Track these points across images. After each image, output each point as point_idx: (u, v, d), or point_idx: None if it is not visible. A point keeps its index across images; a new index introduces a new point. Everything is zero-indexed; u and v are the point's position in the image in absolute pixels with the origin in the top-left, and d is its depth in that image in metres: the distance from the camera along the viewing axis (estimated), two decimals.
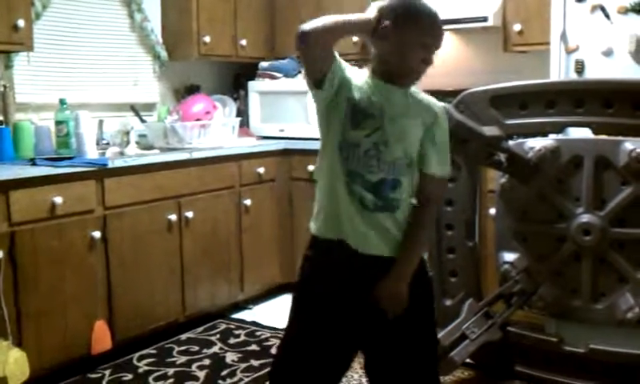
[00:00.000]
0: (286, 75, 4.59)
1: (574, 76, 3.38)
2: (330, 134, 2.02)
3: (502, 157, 3.01)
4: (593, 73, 3.35)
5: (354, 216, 1.98)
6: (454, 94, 3.33)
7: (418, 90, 2.08)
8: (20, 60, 3.72)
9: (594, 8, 3.33)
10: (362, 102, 1.98)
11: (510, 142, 3.04)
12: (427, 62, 1.99)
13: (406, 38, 1.96)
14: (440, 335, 3.12)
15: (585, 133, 3.06)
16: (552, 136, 3.09)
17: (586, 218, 2.94)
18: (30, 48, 3.50)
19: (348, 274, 2.03)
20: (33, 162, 3.35)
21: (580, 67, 3.39)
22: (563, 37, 3.41)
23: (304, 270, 2.12)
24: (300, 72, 4.62)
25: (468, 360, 3.17)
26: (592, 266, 2.96)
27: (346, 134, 1.98)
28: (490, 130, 2.99)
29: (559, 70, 3.42)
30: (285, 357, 2.15)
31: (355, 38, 4.38)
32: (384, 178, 1.98)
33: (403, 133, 1.98)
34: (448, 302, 3.26)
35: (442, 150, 2.05)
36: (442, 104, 2.12)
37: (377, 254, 2.01)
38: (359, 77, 2.04)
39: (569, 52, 3.41)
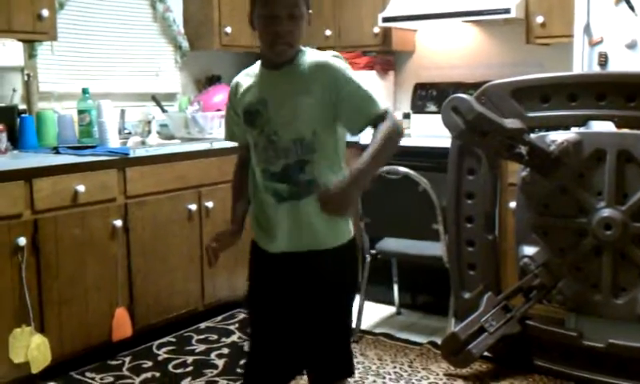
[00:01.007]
0: None
1: (597, 69, 3.34)
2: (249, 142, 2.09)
3: (524, 150, 2.99)
4: (616, 66, 3.31)
5: (271, 213, 2.02)
6: (475, 86, 3.32)
7: (310, 54, 1.99)
8: (44, 49, 3.75)
9: (618, 0, 3.29)
10: (250, 104, 2.02)
11: (532, 135, 3.02)
12: (282, 34, 1.89)
13: (257, 16, 1.94)
14: (458, 328, 3.12)
15: (607, 126, 3.03)
16: (574, 129, 3.07)
17: (607, 212, 2.92)
18: (53, 37, 3.53)
19: (272, 272, 2.10)
20: (56, 150, 3.39)
21: (603, 60, 3.35)
22: (587, 29, 3.38)
23: (250, 268, 2.22)
24: None
25: (486, 353, 3.17)
26: (613, 260, 2.94)
27: (249, 137, 2.04)
28: (511, 123, 2.97)
29: (582, 63, 3.38)
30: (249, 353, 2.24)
31: (376, 29, 4.38)
32: (287, 164, 1.96)
33: (291, 112, 1.94)
34: (467, 295, 3.25)
35: (362, 91, 1.92)
36: (328, 53, 2.00)
37: (298, 249, 2.02)
38: (250, 78, 2.05)
39: (592, 44, 3.38)
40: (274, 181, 1.99)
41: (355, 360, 3.09)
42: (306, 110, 1.93)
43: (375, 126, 1.91)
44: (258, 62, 2.06)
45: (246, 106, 2.02)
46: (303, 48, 2.01)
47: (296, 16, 1.91)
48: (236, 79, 2.11)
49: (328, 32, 4.64)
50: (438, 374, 3.18)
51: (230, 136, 2.19)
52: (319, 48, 4.94)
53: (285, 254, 2.04)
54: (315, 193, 1.86)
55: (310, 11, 1.99)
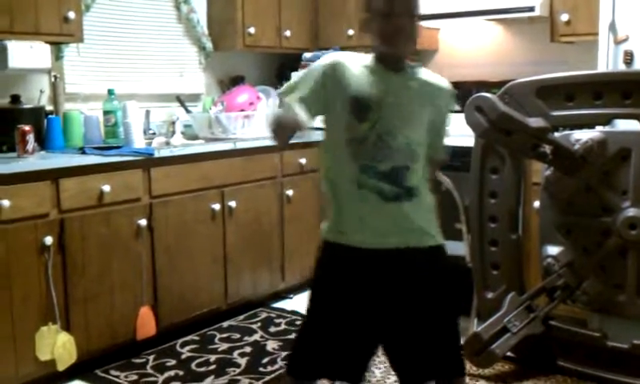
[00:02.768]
0: None
1: (622, 67, 3.30)
2: (333, 133, 2.06)
3: (548, 149, 2.97)
4: None
5: (372, 211, 2.00)
6: (499, 84, 3.30)
7: (426, 72, 2.10)
8: (70, 51, 3.81)
9: None
10: (362, 94, 2.00)
11: (556, 134, 3.00)
12: (401, 29, 1.97)
13: (377, 15, 1.99)
14: (481, 328, 3.11)
15: (632, 125, 3.00)
16: (599, 128, 3.04)
17: (632, 211, 2.88)
18: (79, 39, 3.58)
19: (370, 272, 2.05)
20: (82, 150, 3.43)
21: (629, 58, 3.31)
22: (612, 27, 3.34)
23: (319, 275, 2.15)
24: None
25: (509, 353, 3.15)
26: (637, 260, 2.90)
27: (352, 131, 1.99)
28: (535, 122, 2.95)
29: (607, 61, 3.34)
30: (304, 345, 2.17)
31: None
32: (395, 166, 1.99)
33: (406, 119, 2.00)
34: (490, 295, 3.24)
35: (447, 132, 2.15)
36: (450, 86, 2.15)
37: (399, 246, 2.03)
38: (359, 67, 2.04)
39: (617, 43, 3.34)
40: (379, 179, 1.99)
41: (377, 359, 3.10)
42: (420, 121, 2.04)
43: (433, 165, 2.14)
44: (366, 58, 2.07)
45: (356, 94, 2.00)
46: (419, 64, 2.11)
47: (414, 15, 2.01)
48: (340, 59, 2.05)
49: (350, 31, 4.65)
50: None
51: (310, 103, 2.00)
52: (343, 48, 4.97)
53: (379, 251, 2.03)
54: (415, 198, 2.01)
55: (428, 14, 2.07)
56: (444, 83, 2.10)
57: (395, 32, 1.97)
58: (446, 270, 2.12)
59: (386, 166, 1.98)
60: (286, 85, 2.13)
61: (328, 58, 2.07)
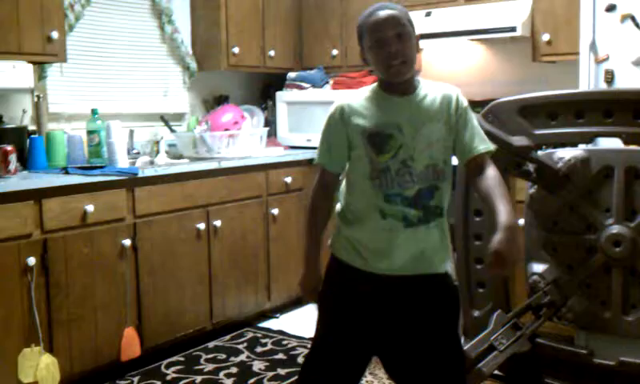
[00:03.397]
0: (314, 85, 4.62)
1: (603, 86, 3.35)
2: (354, 170, 2.05)
3: (531, 167, 2.99)
4: (623, 83, 3.32)
5: (396, 238, 1.99)
6: (482, 103, 3.32)
7: (428, 84, 2.06)
8: (53, 71, 3.79)
9: (623, 17, 3.31)
10: (377, 127, 2.00)
11: (539, 152, 3.02)
12: (395, 54, 1.95)
13: (369, 47, 1.99)
14: (467, 346, 3.10)
15: (615, 143, 3.03)
16: (582, 146, 3.07)
17: (616, 229, 2.90)
18: (63, 59, 3.57)
19: (380, 301, 2.05)
20: (65, 170, 3.41)
21: (610, 77, 3.36)
22: (592, 46, 3.39)
23: (330, 294, 2.13)
24: (327, 82, 4.65)
25: (496, 371, 3.15)
26: (622, 277, 2.92)
27: (374, 163, 1.99)
28: (518, 140, 2.97)
29: (588, 80, 3.39)
30: (310, 363, 2.17)
31: None
32: (420, 189, 1.99)
33: (426, 139, 1.99)
34: (476, 313, 3.23)
35: (475, 126, 2.06)
36: (454, 87, 2.10)
37: (415, 272, 2.03)
38: (364, 101, 2.04)
39: (598, 62, 3.38)
40: (404, 205, 1.99)
41: (365, 380, 3.08)
42: (438, 138, 2.01)
43: (478, 161, 2.04)
44: (367, 90, 2.07)
45: (371, 129, 2.00)
46: (418, 78, 2.07)
47: (403, 35, 1.97)
48: (343, 102, 2.05)
49: (334, 51, 4.68)
50: None
51: (326, 160, 2.08)
52: (326, 68, 5.00)
53: (402, 277, 2.03)
54: (439, 219, 2.00)
55: (418, 34, 2.03)
56: (449, 89, 2.07)
57: (390, 58, 1.95)
58: (454, 298, 2.13)
59: (411, 191, 1.98)
60: (317, 152, 2.13)
61: (332, 108, 2.08)
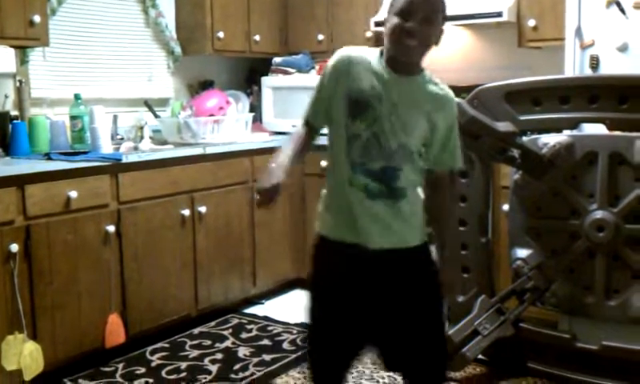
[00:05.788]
0: (299, 71, 4.60)
1: (588, 72, 3.36)
2: (333, 129, 2.05)
3: (516, 153, 3.00)
4: (608, 68, 3.33)
5: (360, 209, 1.99)
6: (467, 89, 3.32)
7: (436, 80, 2.05)
8: (35, 55, 3.74)
9: (609, 3, 3.31)
10: (362, 92, 1.98)
11: (524, 138, 3.03)
12: (408, 31, 1.91)
13: (393, 13, 1.95)
14: (452, 331, 3.12)
15: (599, 129, 3.04)
16: (566, 132, 3.08)
17: (599, 214, 2.92)
18: (45, 43, 3.52)
19: (358, 270, 2.04)
20: (48, 156, 3.38)
21: (595, 63, 3.36)
22: (578, 32, 3.39)
23: (315, 268, 2.14)
24: (313, 67, 4.63)
25: (480, 356, 3.17)
26: (605, 262, 2.95)
27: (347, 127, 1.99)
28: (503, 126, 2.98)
29: (574, 66, 3.39)
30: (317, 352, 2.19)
31: (369, 33, 4.40)
32: (385, 166, 1.98)
33: (402, 122, 1.97)
34: (460, 298, 3.25)
35: (454, 139, 2.07)
36: (455, 97, 2.10)
37: (383, 246, 2.01)
38: (366, 64, 2.01)
39: (583, 47, 3.39)
40: (368, 177, 1.98)
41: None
42: (419, 130, 1.99)
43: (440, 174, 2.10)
44: (376, 53, 2.03)
45: (356, 93, 1.98)
46: (426, 70, 2.04)
47: (431, 20, 1.94)
48: (349, 55, 2.03)
49: (320, 36, 4.65)
50: None
51: (313, 116, 2.11)
52: (312, 53, 4.97)
53: (379, 251, 2.02)
54: (405, 198, 2.00)
55: (444, 29, 2.00)
56: (449, 94, 2.05)
57: (405, 35, 1.92)
58: (430, 269, 2.11)
59: (375, 165, 1.97)
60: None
61: (337, 53, 2.06)
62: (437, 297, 2.12)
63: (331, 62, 2.06)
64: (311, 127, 2.14)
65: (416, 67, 2.02)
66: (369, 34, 4.40)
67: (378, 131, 1.97)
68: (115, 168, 3.40)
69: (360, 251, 2.01)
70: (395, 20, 1.93)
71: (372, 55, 2.03)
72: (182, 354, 3.52)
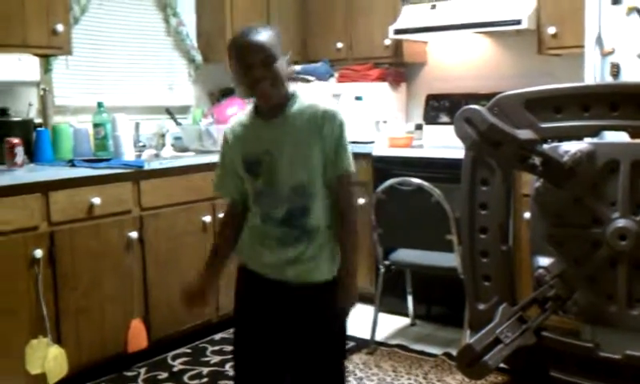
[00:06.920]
0: (319, 78, 4.62)
1: (609, 79, 3.34)
2: (248, 189, 2.11)
3: (537, 160, 2.98)
4: (629, 76, 3.32)
5: (271, 255, 2.06)
6: (487, 97, 3.32)
7: (309, 101, 2.07)
8: (59, 64, 3.80)
9: (630, 10, 3.30)
10: (249, 153, 2.06)
11: (545, 146, 3.02)
12: (259, 80, 1.97)
13: (236, 71, 2.01)
14: (473, 340, 3.11)
15: (621, 136, 3.03)
16: (587, 139, 3.07)
17: (621, 222, 2.90)
18: (68, 52, 3.57)
19: (270, 303, 2.12)
20: (71, 163, 3.42)
21: (615, 70, 3.35)
22: (598, 40, 3.38)
23: (237, 300, 2.27)
24: (332, 75, 4.65)
25: (502, 364, 3.15)
26: (628, 271, 2.92)
27: (251, 187, 2.07)
28: (524, 134, 2.97)
29: (594, 74, 3.39)
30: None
31: (387, 41, 4.41)
32: (289, 208, 2.02)
33: (289, 161, 2.01)
34: (481, 306, 3.24)
35: (343, 146, 2.06)
36: (329, 106, 2.09)
37: (291, 280, 2.07)
38: (242, 127, 2.10)
39: (604, 55, 3.38)
40: (275, 226, 2.04)
41: (370, 371, 3.11)
42: (311, 159, 2.02)
43: (339, 181, 2.07)
44: (245, 113, 2.12)
45: (245, 155, 2.06)
46: (296, 92, 2.08)
47: (269, 60, 1.98)
48: (230, 127, 2.14)
49: (339, 44, 4.67)
50: None
51: (220, 187, 2.19)
52: (332, 61, 4.98)
53: (281, 283, 2.08)
54: (316, 235, 2.03)
55: (289, 54, 2.07)
56: (325, 107, 2.06)
57: (256, 82, 1.98)
58: (330, 306, 2.11)
59: (279, 212, 2.03)
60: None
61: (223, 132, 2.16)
62: (331, 338, 2.14)
63: (223, 137, 2.15)
64: (230, 202, 2.18)
65: (283, 104, 2.05)
66: (388, 42, 4.41)
67: (271, 181, 2.02)
68: (137, 175, 3.43)
69: (266, 279, 2.10)
70: (241, 77, 2.00)
71: (245, 116, 2.11)
72: (204, 359, 3.54)
